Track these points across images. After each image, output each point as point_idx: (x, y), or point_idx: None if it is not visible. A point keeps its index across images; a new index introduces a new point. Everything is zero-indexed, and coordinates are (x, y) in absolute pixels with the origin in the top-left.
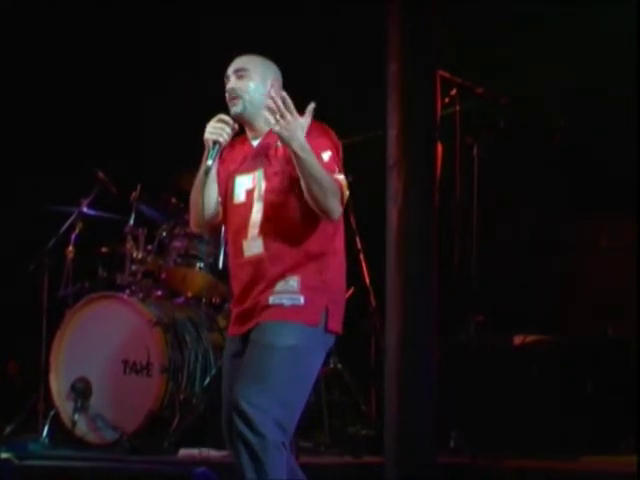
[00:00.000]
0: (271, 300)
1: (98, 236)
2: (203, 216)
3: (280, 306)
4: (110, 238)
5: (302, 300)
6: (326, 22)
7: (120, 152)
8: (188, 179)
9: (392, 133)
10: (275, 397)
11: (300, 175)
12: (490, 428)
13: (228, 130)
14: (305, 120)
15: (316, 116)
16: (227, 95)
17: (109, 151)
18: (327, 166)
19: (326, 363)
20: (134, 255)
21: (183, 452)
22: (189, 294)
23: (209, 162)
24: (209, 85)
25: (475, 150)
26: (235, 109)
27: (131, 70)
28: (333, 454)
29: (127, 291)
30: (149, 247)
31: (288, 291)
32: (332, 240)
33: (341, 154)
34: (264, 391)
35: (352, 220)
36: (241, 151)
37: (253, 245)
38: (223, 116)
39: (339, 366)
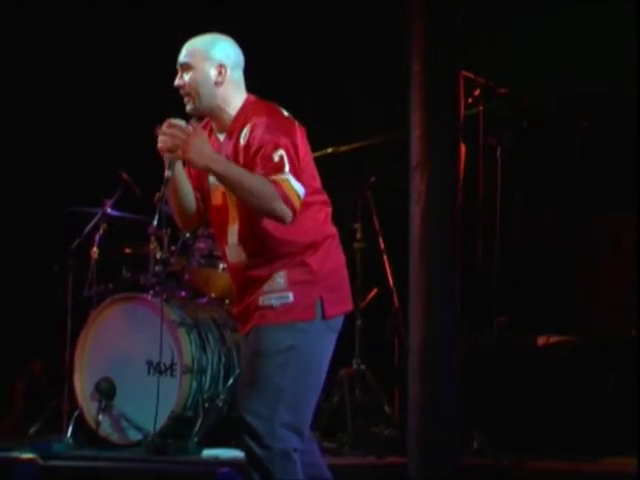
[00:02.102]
0: (260, 301)
1: (122, 237)
2: (188, 216)
3: (269, 308)
4: (134, 239)
5: (291, 297)
6: (349, 22)
7: (144, 153)
8: None
9: (415, 134)
10: (280, 402)
11: (229, 189)
12: (513, 429)
13: (181, 135)
14: (195, 131)
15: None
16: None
17: (133, 152)
18: (273, 167)
19: (350, 363)
20: (158, 256)
21: (207, 452)
22: (212, 295)
23: (168, 173)
24: None
25: (498, 151)
26: (188, 108)
27: (156, 69)
28: (356, 454)
29: (151, 292)
30: (172, 248)
31: (276, 289)
32: (316, 232)
33: (299, 139)
34: (266, 399)
35: (375, 221)
36: (212, 144)
37: (235, 252)
38: (173, 121)
39: (362, 367)
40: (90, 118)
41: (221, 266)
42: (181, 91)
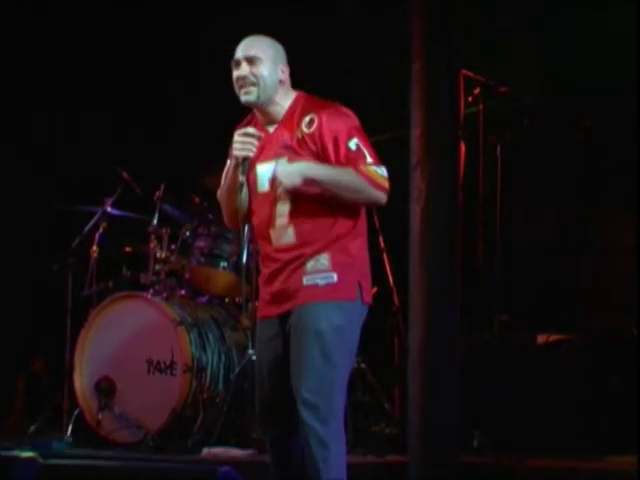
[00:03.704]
0: (305, 281)
1: (122, 236)
2: (239, 215)
3: (315, 286)
4: (134, 238)
5: (335, 277)
6: (348, 20)
7: (144, 152)
8: (212, 179)
9: (415, 132)
10: (336, 379)
11: (321, 189)
12: (513, 428)
13: (255, 142)
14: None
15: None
16: (237, 82)
17: (133, 150)
18: (354, 157)
19: None
20: (158, 255)
21: (207, 451)
22: (212, 293)
23: (242, 178)
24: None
25: (498, 149)
26: (249, 97)
27: (157, 69)
28: (357, 453)
29: (151, 290)
30: (173, 246)
31: (320, 270)
32: (358, 218)
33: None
34: (324, 376)
35: (375, 220)
36: (258, 138)
37: (283, 234)
38: (249, 129)
39: (363, 365)
40: (91, 116)
41: (221, 265)
42: (242, 81)
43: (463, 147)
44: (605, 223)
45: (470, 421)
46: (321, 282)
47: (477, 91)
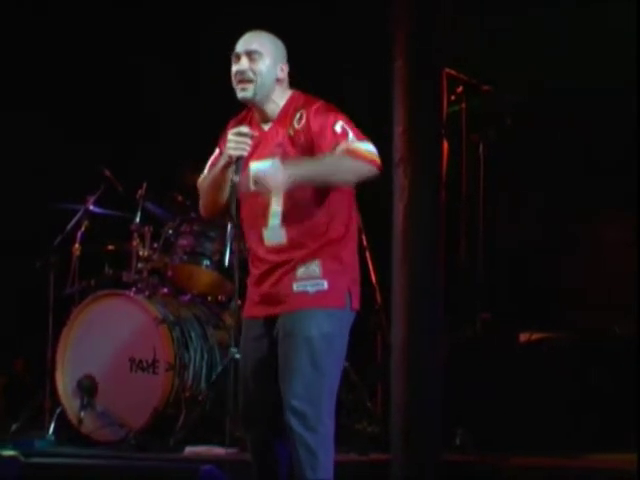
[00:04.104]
0: (295, 287)
1: (104, 234)
2: (219, 206)
3: (305, 293)
4: (116, 236)
5: (326, 285)
6: (332, 18)
7: (126, 149)
8: (195, 177)
9: (398, 130)
10: (324, 386)
11: (311, 183)
12: (496, 426)
13: (249, 142)
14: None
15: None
16: (236, 76)
17: (115, 148)
18: (340, 136)
19: None
20: (140, 253)
21: (189, 450)
22: (195, 292)
23: (235, 178)
24: (217, 83)
25: (481, 148)
26: (245, 94)
27: (139, 68)
28: (339, 451)
29: (133, 289)
30: (155, 245)
31: (311, 277)
32: (351, 223)
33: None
34: (312, 383)
35: (358, 217)
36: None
37: (275, 234)
38: (242, 129)
39: (345, 364)
40: (73, 115)
41: (204, 263)
42: (240, 76)
43: (446, 145)
44: (588, 222)
45: (453, 419)
46: (311, 289)
47: (460, 89)
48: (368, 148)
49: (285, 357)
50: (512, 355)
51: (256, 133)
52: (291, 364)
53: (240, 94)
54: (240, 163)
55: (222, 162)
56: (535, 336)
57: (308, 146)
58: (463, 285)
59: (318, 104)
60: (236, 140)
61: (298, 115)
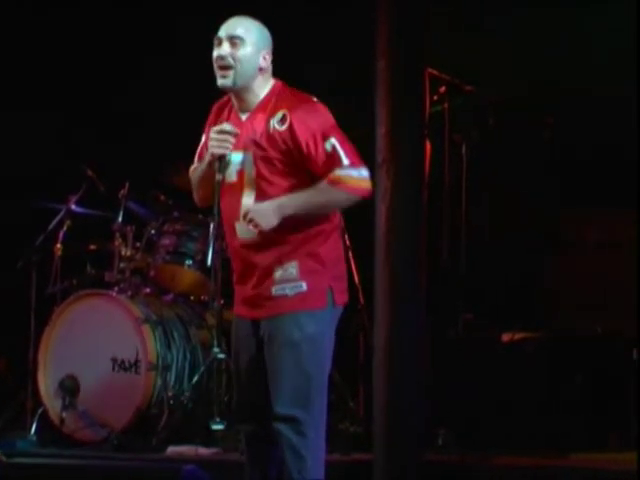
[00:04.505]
0: (274, 291)
1: (86, 233)
2: (210, 199)
3: (284, 297)
4: (98, 235)
5: (305, 286)
6: (315, 17)
7: (108, 149)
8: (177, 177)
9: (381, 131)
10: (311, 389)
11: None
12: (478, 426)
13: (232, 140)
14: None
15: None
16: (216, 61)
17: (97, 148)
18: (331, 160)
19: None
20: (122, 252)
21: (171, 449)
22: (178, 291)
23: (219, 176)
24: (199, 81)
25: (464, 148)
26: (224, 81)
27: (119, 65)
28: None
29: (115, 288)
30: (137, 244)
31: (288, 279)
32: (329, 219)
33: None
34: (299, 388)
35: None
36: (229, 122)
37: (247, 229)
38: (225, 126)
39: None
40: (55, 114)
41: (187, 262)
42: (220, 62)
43: (429, 146)
44: (570, 222)
45: (435, 419)
46: (290, 292)
47: (443, 89)
48: (361, 175)
49: (271, 363)
50: (495, 355)
51: (238, 131)
52: (277, 370)
53: (220, 81)
54: (224, 161)
55: (207, 158)
56: (518, 336)
57: (289, 150)
58: (446, 285)
59: (303, 105)
60: (218, 138)
61: (280, 115)
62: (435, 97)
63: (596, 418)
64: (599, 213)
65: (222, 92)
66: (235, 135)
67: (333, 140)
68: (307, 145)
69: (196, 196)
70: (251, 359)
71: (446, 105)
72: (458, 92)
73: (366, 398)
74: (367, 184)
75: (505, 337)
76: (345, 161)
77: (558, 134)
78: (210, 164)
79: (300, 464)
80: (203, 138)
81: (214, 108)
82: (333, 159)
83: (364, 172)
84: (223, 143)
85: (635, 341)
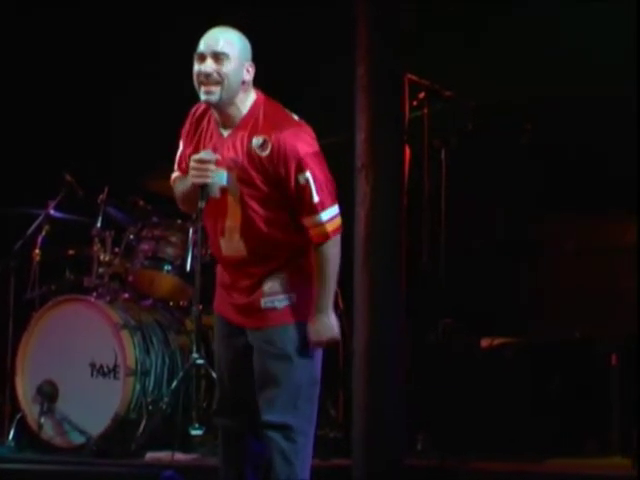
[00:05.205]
0: (263, 304)
1: (65, 238)
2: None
3: (274, 310)
4: (77, 240)
5: (294, 299)
6: (295, 23)
7: (87, 154)
8: (156, 182)
9: (360, 136)
10: (300, 398)
11: None
12: (458, 430)
13: (213, 168)
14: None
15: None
16: (199, 77)
17: (76, 153)
18: (315, 206)
19: None
20: (101, 258)
21: (150, 455)
22: (157, 297)
23: (201, 204)
24: (177, 87)
25: (443, 153)
26: (211, 97)
27: (97, 71)
28: None
29: (94, 294)
30: (116, 250)
31: (277, 292)
32: None
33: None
34: (291, 397)
35: None
36: (210, 136)
37: (233, 246)
38: (204, 155)
39: None
40: (33, 118)
41: (165, 268)
42: (205, 79)
43: (408, 151)
44: (549, 227)
45: (415, 424)
46: (279, 305)
47: (422, 95)
48: (330, 217)
49: (261, 373)
50: (473, 360)
51: (219, 157)
52: (268, 381)
53: (204, 97)
54: (206, 190)
55: (189, 182)
56: (497, 341)
57: (268, 174)
58: (425, 290)
59: (285, 132)
60: (198, 167)
61: (261, 140)
62: (414, 102)
63: (574, 423)
64: (578, 219)
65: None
66: (216, 162)
67: (308, 174)
68: (283, 172)
69: (181, 206)
70: (234, 361)
71: (425, 110)
72: (437, 98)
73: (346, 403)
74: (338, 222)
75: (484, 342)
76: (314, 200)
77: (537, 139)
78: (194, 188)
79: (289, 470)
80: (180, 146)
81: (191, 115)
82: (303, 194)
83: (333, 211)
84: (204, 172)
85: (613, 346)
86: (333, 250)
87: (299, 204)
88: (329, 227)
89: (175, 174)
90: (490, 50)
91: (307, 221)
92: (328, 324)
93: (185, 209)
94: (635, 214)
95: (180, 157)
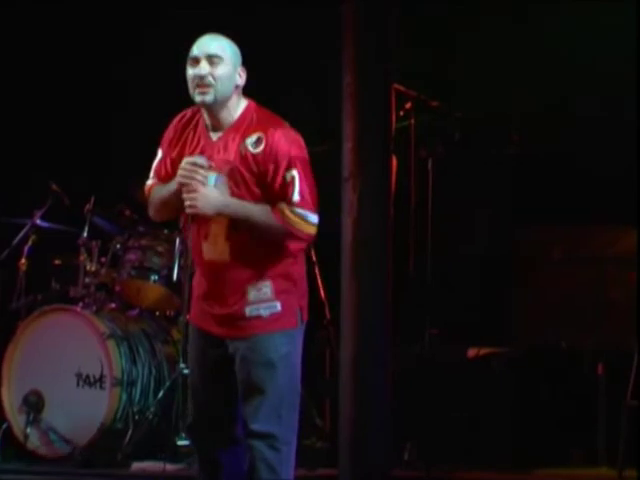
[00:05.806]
0: (248, 312)
1: (51, 248)
2: (168, 215)
3: (259, 317)
4: (63, 250)
5: (279, 306)
6: (281, 32)
7: (74, 164)
8: (142, 191)
9: (347, 145)
10: (283, 406)
11: (239, 225)
12: (444, 441)
13: (204, 173)
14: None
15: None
16: (194, 80)
17: (63, 163)
18: (284, 190)
19: None
20: (87, 267)
21: (136, 465)
22: (143, 306)
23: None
24: (164, 96)
25: (430, 163)
26: (206, 98)
27: (84, 81)
28: None
29: (80, 304)
30: (103, 259)
31: (263, 300)
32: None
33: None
34: (275, 405)
35: None
36: (198, 140)
37: (217, 250)
38: (198, 160)
39: None
40: (20, 128)
41: (152, 277)
42: (200, 81)
43: (394, 161)
44: (536, 236)
45: (401, 434)
46: (265, 312)
47: (408, 105)
48: (306, 218)
49: (245, 382)
50: (460, 370)
51: (212, 164)
52: (252, 389)
53: (199, 97)
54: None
55: (173, 187)
56: (483, 351)
57: (260, 172)
58: (412, 300)
59: (280, 130)
60: (189, 169)
61: (255, 137)
62: (401, 113)
63: (560, 433)
64: (565, 229)
65: (187, 107)
66: (209, 168)
67: (294, 173)
68: (271, 169)
69: (153, 214)
70: (210, 375)
71: (412, 121)
72: (424, 108)
73: (332, 413)
74: (310, 229)
75: (471, 352)
76: (295, 197)
77: (523, 149)
78: (176, 193)
79: (273, 479)
80: (160, 154)
81: (174, 123)
82: (286, 190)
83: (311, 217)
84: (193, 174)
85: (600, 356)
86: (278, 232)
87: (279, 198)
88: (297, 220)
89: (151, 181)
90: (477, 60)
91: (280, 204)
92: (212, 202)
93: (158, 217)
94: (621, 224)
95: (159, 164)
